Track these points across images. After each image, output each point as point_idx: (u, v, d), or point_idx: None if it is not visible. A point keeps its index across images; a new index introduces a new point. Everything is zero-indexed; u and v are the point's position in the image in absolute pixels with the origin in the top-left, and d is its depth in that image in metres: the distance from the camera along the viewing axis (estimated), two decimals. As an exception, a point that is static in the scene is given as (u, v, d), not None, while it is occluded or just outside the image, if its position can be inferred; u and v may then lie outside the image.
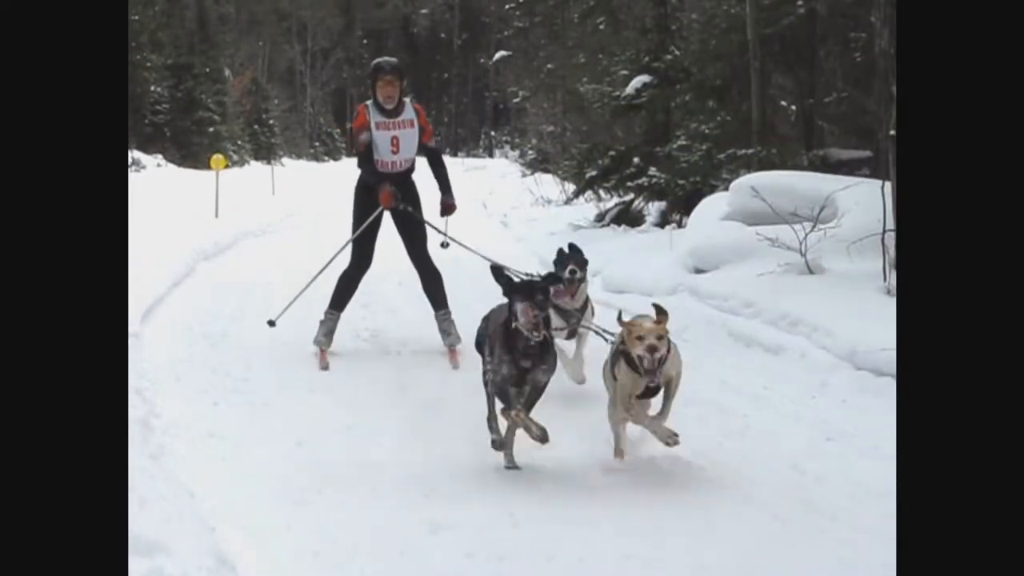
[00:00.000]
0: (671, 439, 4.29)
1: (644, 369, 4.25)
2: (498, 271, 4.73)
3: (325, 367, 6.48)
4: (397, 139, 6.67)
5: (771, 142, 12.19)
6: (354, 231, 6.85)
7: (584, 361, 5.78)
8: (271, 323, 6.95)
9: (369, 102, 6.72)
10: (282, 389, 5.90)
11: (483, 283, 5.41)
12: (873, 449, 4.61)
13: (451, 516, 3.94)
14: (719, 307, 7.75)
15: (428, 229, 6.93)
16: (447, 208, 6.93)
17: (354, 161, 7.13)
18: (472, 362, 5.45)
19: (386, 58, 6.96)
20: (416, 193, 6.91)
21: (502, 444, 4.53)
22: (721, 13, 13.24)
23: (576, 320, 5.81)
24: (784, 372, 6.24)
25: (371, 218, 6.77)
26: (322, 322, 6.82)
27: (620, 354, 4.41)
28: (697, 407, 5.40)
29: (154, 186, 21.14)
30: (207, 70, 37.08)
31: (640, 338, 4.25)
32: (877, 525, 3.69)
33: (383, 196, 6.65)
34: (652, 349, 4.21)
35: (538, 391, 4.54)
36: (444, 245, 6.99)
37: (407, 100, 6.79)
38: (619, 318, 4.55)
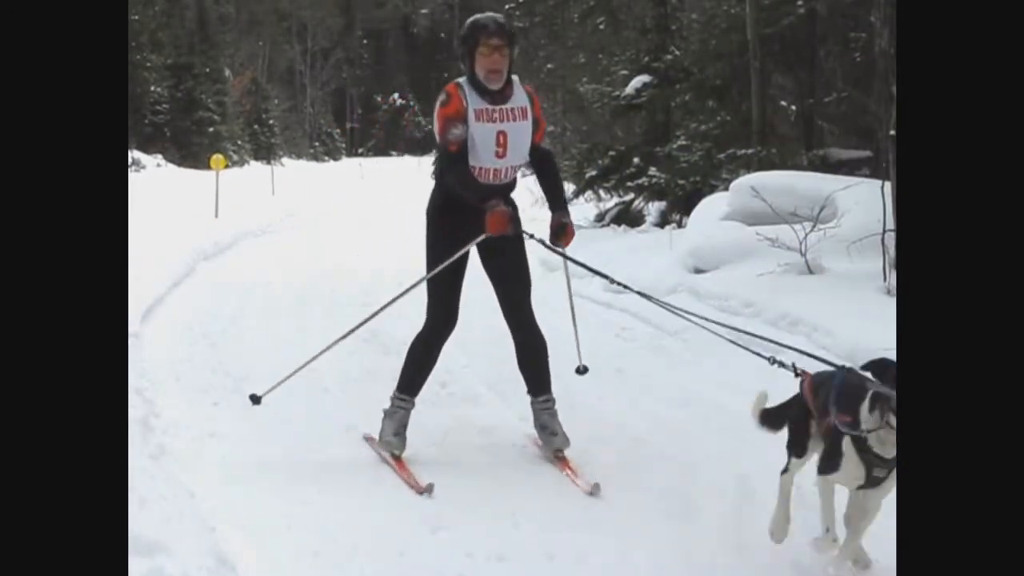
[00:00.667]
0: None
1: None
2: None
3: (416, 487, 4.30)
4: (505, 135, 4.51)
5: (771, 142, 12.20)
6: (430, 271, 4.68)
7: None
8: (255, 399, 4.85)
9: (462, 80, 4.52)
10: (282, 389, 5.89)
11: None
12: (873, 449, 4.60)
13: (451, 516, 3.94)
14: (719, 307, 7.75)
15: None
16: (563, 232, 4.84)
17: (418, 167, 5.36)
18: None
19: (490, 14, 4.66)
20: (519, 221, 4.74)
21: None
22: (721, 13, 13.24)
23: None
24: (784, 372, 6.22)
25: (461, 251, 4.59)
26: (388, 413, 4.78)
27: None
28: (697, 407, 5.41)
29: (154, 186, 21.16)
30: (207, 70, 37.10)
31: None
32: (877, 525, 3.69)
33: (494, 218, 4.40)
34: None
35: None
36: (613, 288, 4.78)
37: (516, 79, 4.61)
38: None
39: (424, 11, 73.76)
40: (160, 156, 31.22)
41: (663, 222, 13.52)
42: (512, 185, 4.78)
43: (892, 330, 2.60)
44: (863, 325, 6.23)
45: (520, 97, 4.60)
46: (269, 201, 20.47)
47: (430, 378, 5.07)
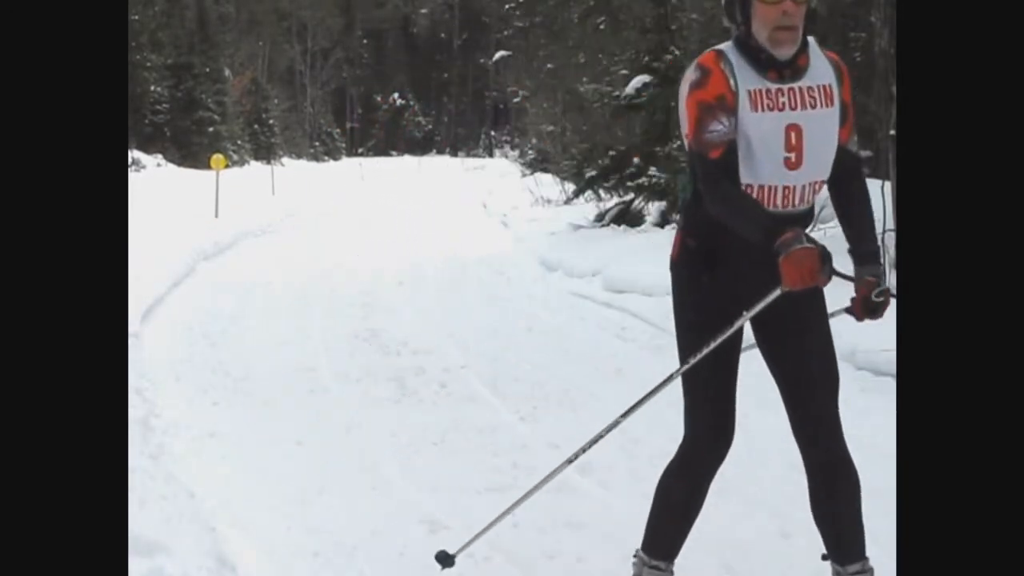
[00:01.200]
0: None
1: None
2: None
3: None
4: (799, 131, 2.83)
5: (771, 142, 12.18)
6: (685, 361, 3.08)
7: None
8: (446, 559, 3.36)
9: (726, 47, 2.87)
10: (282, 389, 5.91)
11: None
12: (873, 449, 4.60)
13: (451, 516, 3.94)
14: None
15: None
16: (879, 304, 3.36)
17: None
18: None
19: None
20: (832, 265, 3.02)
21: None
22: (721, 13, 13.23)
23: None
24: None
25: (736, 325, 3.02)
26: None
27: None
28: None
29: (154, 186, 21.16)
30: (207, 70, 37.09)
31: None
32: (877, 525, 3.69)
33: (796, 263, 2.77)
34: None
35: None
36: None
37: (814, 42, 2.94)
38: None
39: (424, 11, 73.78)
40: (160, 156, 31.22)
41: (663, 222, 13.52)
42: (811, 215, 3.12)
43: (892, 330, 2.60)
44: (863, 325, 6.19)
45: (822, 70, 2.94)
46: (269, 201, 20.46)
47: (430, 378, 5.04)
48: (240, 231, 14.44)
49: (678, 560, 3.56)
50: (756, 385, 5.86)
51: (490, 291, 8.94)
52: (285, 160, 43.32)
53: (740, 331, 3.08)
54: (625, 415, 3.29)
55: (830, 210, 8.77)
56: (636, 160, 14.28)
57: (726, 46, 2.89)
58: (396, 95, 71.20)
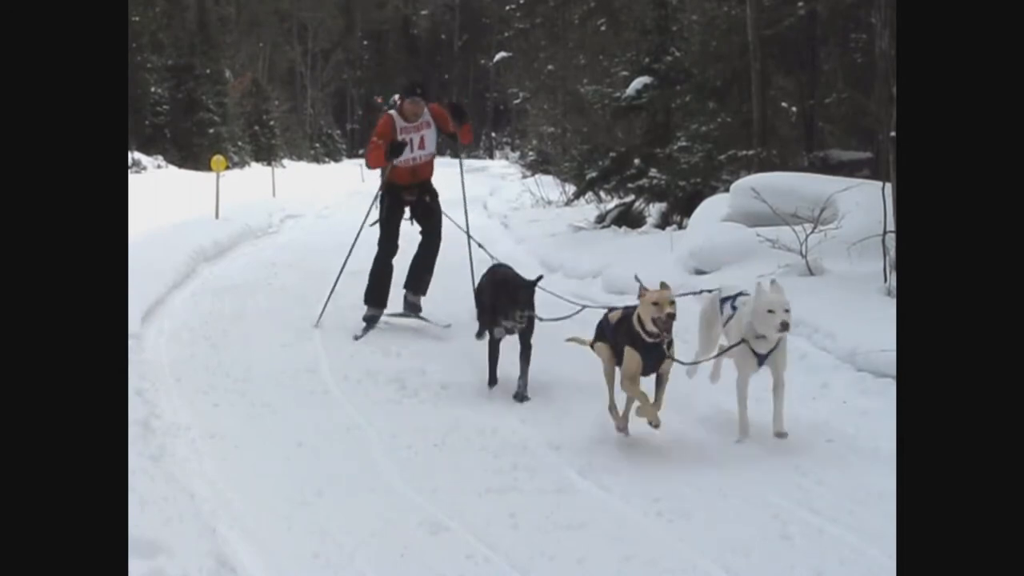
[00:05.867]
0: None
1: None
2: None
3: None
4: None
5: (771, 143, 12.19)
6: None
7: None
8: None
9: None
10: (282, 390, 5.90)
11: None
12: (873, 450, 4.61)
13: (451, 516, 3.94)
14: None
15: None
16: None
17: None
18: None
19: None
20: None
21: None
22: (722, 14, 13.23)
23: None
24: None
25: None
26: None
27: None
28: (697, 408, 5.40)
29: (154, 187, 21.13)
30: (208, 71, 37.04)
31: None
32: (877, 526, 3.70)
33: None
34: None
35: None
36: None
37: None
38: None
39: (424, 12, 73.76)
40: (160, 157, 31.18)
41: (664, 223, 13.51)
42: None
43: (892, 331, 2.60)
44: (864, 326, 6.22)
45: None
46: (270, 202, 20.43)
47: (430, 379, 5.03)
48: (241, 232, 14.42)
49: (678, 560, 3.56)
50: (760, 393, 5.88)
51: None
52: (286, 161, 43.28)
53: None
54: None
55: (830, 212, 8.76)
56: (637, 161, 14.27)
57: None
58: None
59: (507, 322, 5.85)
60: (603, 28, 18.31)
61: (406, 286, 8.00)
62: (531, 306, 5.84)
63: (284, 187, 24.72)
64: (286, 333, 7.61)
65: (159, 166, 29.60)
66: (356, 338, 7.37)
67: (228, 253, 12.79)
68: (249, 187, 22.99)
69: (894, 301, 6.34)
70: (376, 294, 7.84)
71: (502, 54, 40.29)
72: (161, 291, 8.86)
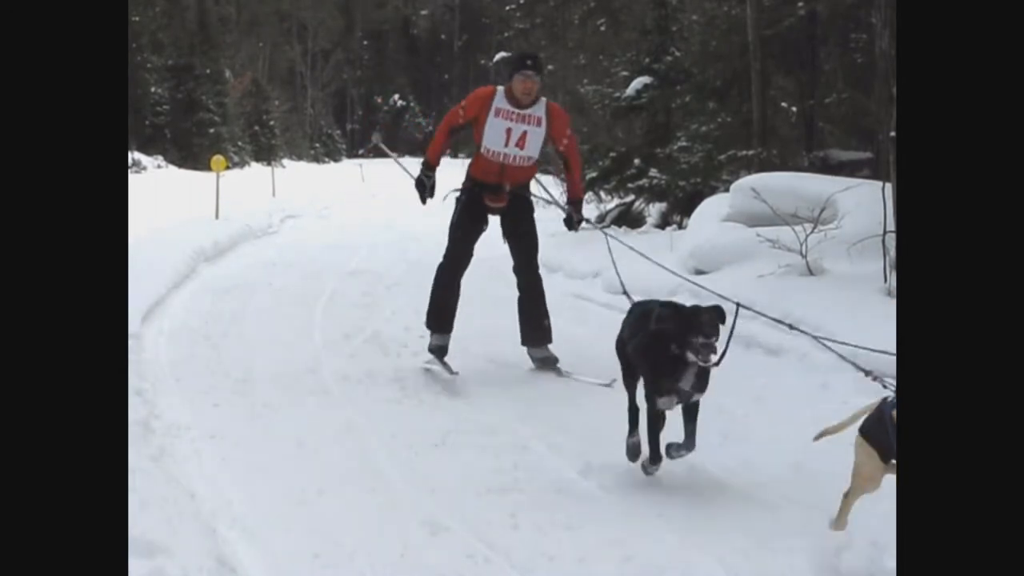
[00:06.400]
0: None
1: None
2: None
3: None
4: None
5: (772, 143, 12.20)
6: None
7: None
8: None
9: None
10: (282, 390, 5.90)
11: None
12: (873, 450, 4.60)
13: (451, 516, 3.94)
14: (719, 308, 7.74)
15: None
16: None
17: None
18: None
19: None
20: None
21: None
22: (722, 14, 13.24)
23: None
24: (784, 373, 6.24)
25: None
26: None
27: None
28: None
29: (154, 187, 21.15)
30: (208, 71, 37.06)
31: None
32: (877, 526, 3.69)
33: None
34: None
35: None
36: None
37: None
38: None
39: (424, 12, 73.80)
40: (160, 157, 31.21)
41: (664, 223, 13.52)
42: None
43: (892, 331, 2.60)
44: (864, 326, 6.22)
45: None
46: (270, 202, 20.43)
47: (430, 380, 5.03)
48: (241, 232, 14.42)
49: (678, 562, 3.56)
50: (760, 393, 5.88)
51: (491, 292, 8.86)
52: (286, 161, 43.30)
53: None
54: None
55: (830, 212, 8.76)
56: (637, 161, 14.27)
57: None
58: (396, 96, 71.22)
59: (682, 384, 4.18)
60: (603, 28, 18.32)
61: (524, 342, 6.35)
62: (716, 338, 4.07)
63: (284, 187, 24.72)
64: (286, 333, 7.61)
65: (159, 166, 29.62)
66: (426, 370, 6.19)
67: (228, 253, 12.79)
68: (249, 187, 22.99)
69: (894, 301, 6.34)
70: (439, 317, 6.31)
71: (502, 54, 40.26)
72: (161, 291, 8.86)
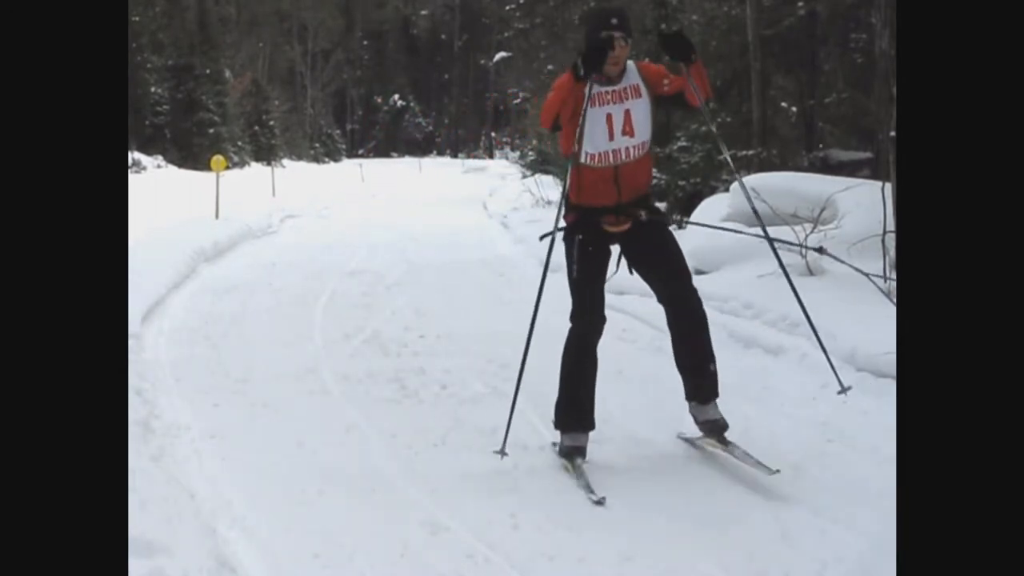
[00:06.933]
0: None
1: None
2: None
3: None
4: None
5: (772, 143, 12.21)
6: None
7: None
8: None
9: None
10: (282, 390, 5.91)
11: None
12: (873, 450, 4.61)
13: (451, 516, 3.94)
14: (720, 308, 7.75)
15: None
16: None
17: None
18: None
19: None
20: None
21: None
22: (721, 14, 13.25)
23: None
24: (784, 373, 6.24)
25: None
26: None
27: None
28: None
29: (154, 187, 21.14)
30: (208, 71, 37.04)
31: None
32: (878, 526, 3.69)
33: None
34: None
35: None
36: None
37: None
38: None
39: (424, 12, 73.82)
40: (160, 157, 31.19)
41: (663, 223, 13.51)
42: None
43: (892, 331, 2.60)
44: (864, 326, 6.23)
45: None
46: (270, 202, 20.43)
47: (430, 379, 4.99)
48: (241, 232, 14.42)
49: (678, 562, 3.56)
50: (760, 392, 5.88)
51: (491, 292, 8.94)
52: (285, 161, 43.30)
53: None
54: None
55: (830, 212, 8.77)
56: (636, 161, 14.27)
57: None
58: (396, 96, 71.25)
59: None
60: (603, 28, 18.31)
61: (688, 397, 4.63)
62: None
63: (284, 187, 24.72)
64: (286, 333, 7.61)
65: (159, 166, 29.61)
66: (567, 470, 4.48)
67: (228, 253, 12.79)
68: (249, 187, 22.99)
69: (894, 301, 6.34)
70: (572, 410, 4.56)
71: (502, 54, 40.33)
72: (161, 291, 8.86)
